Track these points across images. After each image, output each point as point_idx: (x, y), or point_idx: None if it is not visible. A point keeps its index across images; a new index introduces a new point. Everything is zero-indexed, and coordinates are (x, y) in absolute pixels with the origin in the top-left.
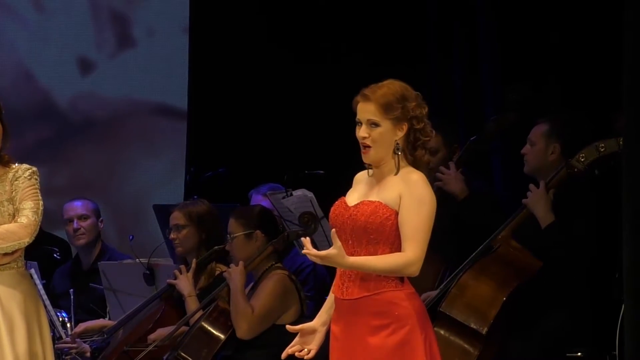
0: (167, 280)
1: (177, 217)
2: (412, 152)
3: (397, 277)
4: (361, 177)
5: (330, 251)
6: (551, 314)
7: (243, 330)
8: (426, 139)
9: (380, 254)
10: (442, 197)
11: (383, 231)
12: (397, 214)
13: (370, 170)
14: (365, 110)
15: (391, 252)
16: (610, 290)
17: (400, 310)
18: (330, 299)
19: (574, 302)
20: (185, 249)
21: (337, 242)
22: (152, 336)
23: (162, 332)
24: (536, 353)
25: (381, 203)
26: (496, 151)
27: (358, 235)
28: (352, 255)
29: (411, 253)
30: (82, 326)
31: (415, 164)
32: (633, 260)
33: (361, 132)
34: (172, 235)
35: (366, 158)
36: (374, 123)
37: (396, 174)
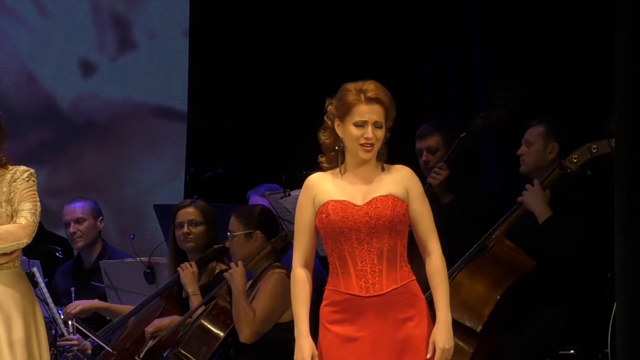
0: (178, 267)
1: (192, 213)
2: (384, 149)
3: (409, 265)
4: (321, 178)
5: None
6: (544, 312)
7: (246, 336)
8: (388, 137)
9: (400, 244)
10: (434, 195)
11: (405, 222)
12: (407, 206)
13: (333, 172)
14: (372, 111)
15: (404, 241)
16: (603, 289)
17: (422, 303)
18: (304, 312)
19: (567, 301)
20: (198, 245)
21: None
22: (149, 328)
23: (157, 323)
24: (529, 350)
25: (395, 196)
26: (488, 147)
27: (379, 230)
28: (370, 251)
29: (439, 250)
30: (78, 307)
31: (381, 159)
32: (624, 259)
33: (369, 133)
34: (185, 230)
35: (367, 155)
36: (379, 125)
37: (383, 170)
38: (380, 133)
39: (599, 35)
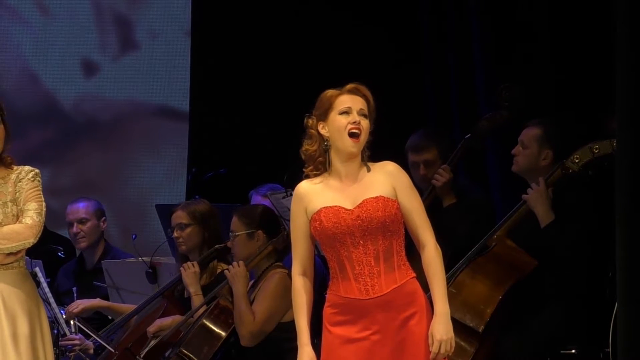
0: (181, 266)
1: (180, 216)
2: (366, 150)
3: (408, 263)
4: (310, 186)
5: None
6: (545, 311)
7: (246, 339)
8: (365, 152)
9: (395, 244)
10: (436, 197)
11: (398, 222)
12: (398, 204)
13: (320, 178)
14: (355, 100)
15: (400, 239)
16: (604, 289)
17: (422, 300)
18: (304, 322)
19: (569, 300)
20: (189, 247)
21: None
22: (150, 328)
23: (159, 323)
24: (531, 350)
25: (384, 197)
26: (491, 149)
27: (373, 232)
28: (366, 253)
29: (432, 241)
30: (80, 306)
31: (364, 159)
32: (625, 259)
33: (355, 117)
34: (175, 234)
35: (356, 146)
36: (364, 114)
37: (369, 170)
38: (365, 123)
39: (598, 35)
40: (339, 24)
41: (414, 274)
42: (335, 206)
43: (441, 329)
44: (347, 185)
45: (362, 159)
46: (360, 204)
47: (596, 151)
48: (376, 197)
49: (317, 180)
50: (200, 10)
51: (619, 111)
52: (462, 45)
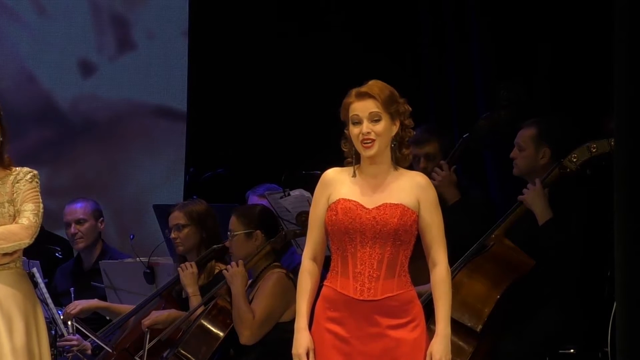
0: (179, 267)
1: (177, 217)
2: (400, 149)
3: (410, 277)
4: (338, 176)
5: None
6: (544, 311)
7: (245, 337)
8: (410, 135)
9: (402, 254)
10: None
11: (411, 233)
12: (417, 216)
13: (353, 169)
14: (366, 106)
15: (408, 251)
16: (602, 288)
17: (417, 309)
18: (305, 306)
19: (567, 300)
20: (187, 247)
21: None
22: (145, 321)
23: (154, 317)
24: (529, 350)
25: (405, 206)
26: (489, 148)
27: (384, 237)
28: (371, 255)
29: (445, 262)
30: (77, 307)
31: (401, 161)
32: (624, 258)
33: (365, 128)
34: (172, 235)
35: (369, 151)
36: (376, 117)
37: (397, 176)
38: (380, 127)
39: (597, 35)
40: (338, 24)
41: (412, 288)
42: (354, 201)
43: (441, 349)
44: (372, 186)
45: (393, 163)
46: (380, 206)
47: (594, 150)
48: (396, 204)
49: (346, 170)
50: (197, 10)
51: (616, 110)
52: (461, 45)
